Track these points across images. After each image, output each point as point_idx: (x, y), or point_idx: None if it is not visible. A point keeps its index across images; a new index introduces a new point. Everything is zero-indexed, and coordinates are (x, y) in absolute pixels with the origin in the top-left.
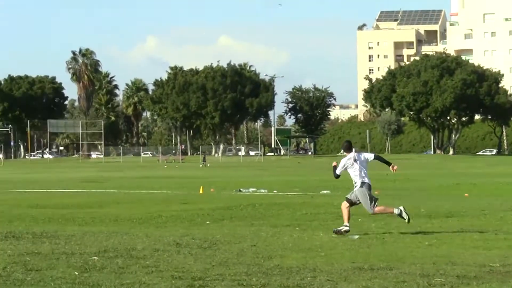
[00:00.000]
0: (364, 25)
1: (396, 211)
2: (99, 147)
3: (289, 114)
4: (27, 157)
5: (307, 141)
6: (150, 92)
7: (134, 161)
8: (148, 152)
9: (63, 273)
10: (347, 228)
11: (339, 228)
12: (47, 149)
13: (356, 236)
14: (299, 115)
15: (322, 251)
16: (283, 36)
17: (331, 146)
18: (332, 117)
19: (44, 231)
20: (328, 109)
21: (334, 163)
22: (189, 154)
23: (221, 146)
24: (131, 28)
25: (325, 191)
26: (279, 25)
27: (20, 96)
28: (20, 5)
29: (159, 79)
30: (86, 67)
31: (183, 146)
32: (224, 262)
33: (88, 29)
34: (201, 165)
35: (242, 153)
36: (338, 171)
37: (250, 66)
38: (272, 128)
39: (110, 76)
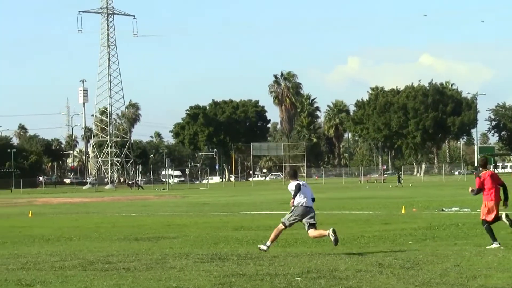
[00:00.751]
0: None
1: None
2: (301, 169)
3: (492, 131)
4: (231, 179)
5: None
6: (351, 113)
7: (336, 182)
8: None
9: None
10: None
11: None
12: (251, 172)
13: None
14: (503, 132)
15: None
16: (485, 53)
17: None
18: None
19: (249, 252)
20: None
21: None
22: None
23: (423, 166)
24: (332, 50)
25: None
26: (481, 42)
27: (224, 120)
28: (224, 32)
29: (360, 100)
30: (288, 90)
31: (384, 166)
32: (427, 282)
33: (290, 53)
34: (396, 185)
35: (444, 172)
36: None
37: (451, 84)
38: (475, 146)
39: (311, 98)
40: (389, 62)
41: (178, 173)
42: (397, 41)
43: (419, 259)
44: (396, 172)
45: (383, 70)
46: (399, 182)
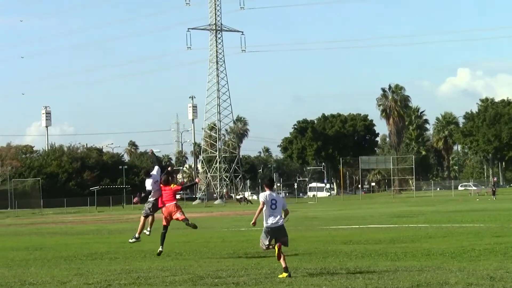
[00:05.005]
0: None
1: None
2: (410, 182)
3: None
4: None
5: None
6: (461, 125)
7: (446, 194)
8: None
9: None
10: None
11: None
12: (360, 185)
13: None
14: None
15: None
16: None
17: None
18: None
19: (358, 266)
20: None
21: None
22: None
23: None
24: (441, 62)
25: None
26: None
27: (332, 134)
28: (332, 47)
29: (470, 112)
30: (396, 103)
31: (495, 179)
32: None
33: (398, 66)
34: (494, 198)
35: None
36: None
37: None
38: None
39: (420, 110)
40: (501, 73)
41: (321, 185)
42: (510, 52)
43: None
44: (493, 185)
45: (495, 82)
46: (494, 195)
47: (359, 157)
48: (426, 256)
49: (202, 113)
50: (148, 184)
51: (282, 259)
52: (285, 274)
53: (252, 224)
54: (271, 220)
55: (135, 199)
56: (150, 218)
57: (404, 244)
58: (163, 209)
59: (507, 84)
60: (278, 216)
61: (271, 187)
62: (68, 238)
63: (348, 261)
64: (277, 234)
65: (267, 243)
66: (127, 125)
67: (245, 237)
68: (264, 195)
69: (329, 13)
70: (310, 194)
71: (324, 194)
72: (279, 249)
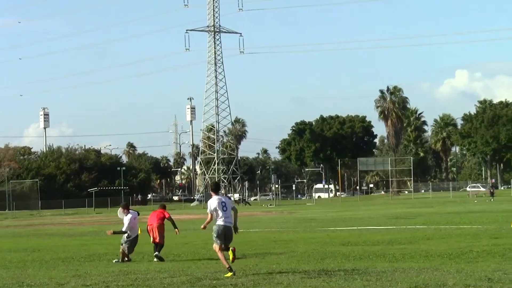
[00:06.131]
0: None
1: None
2: (408, 183)
3: None
4: (337, 194)
5: None
6: (459, 127)
7: (444, 196)
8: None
9: None
10: None
11: None
12: (358, 187)
13: None
14: None
15: None
16: None
17: None
18: None
19: (356, 268)
20: None
21: None
22: (499, 187)
23: None
24: (440, 64)
25: None
26: None
27: (331, 136)
28: (329, 48)
29: (468, 114)
30: (394, 105)
31: (493, 180)
32: None
33: (397, 67)
34: (491, 200)
35: None
36: None
37: None
38: None
39: (418, 112)
40: (499, 75)
41: (326, 186)
42: (509, 54)
43: None
44: (491, 187)
45: (493, 84)
46: (492, 196)
47: (358, 159)
48: (424, 257)
49: (200, 115)
50: (126, 220)
51: (224, 258)
52: (230, 274)
53: (202, 228)
54: (222, 221)
55: (109, 233)
56: (124, 253)
57: (402, 245)
58: (148, 227)
59: (506, 86)
60: (229, 217)
61: (217, 191)
62: (66, 240)
63: (346, 263)
64: (228, 232)
65: (219, 242)
66: (125, 126)
67: (243, 238)
68: (213, 201)
69: (327, 15)
70: (316, 195)
71: (330, 195)
72: (234, 252)
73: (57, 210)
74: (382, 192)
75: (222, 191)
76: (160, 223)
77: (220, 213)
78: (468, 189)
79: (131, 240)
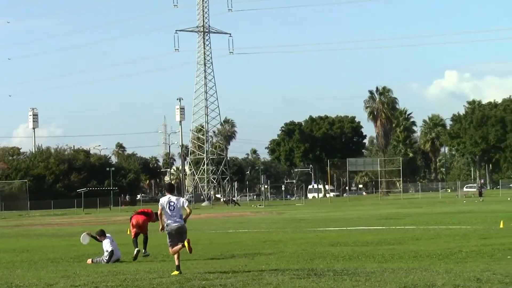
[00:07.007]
0: None
1: None
2: (397, 184)
3: None
4: (327, 195)
5: None
6: (448, 127)
7: (433, 196)
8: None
9: None
10: None
11: None
12: (347, 187)
13: None
14: None
15: None
16: None
17: None
18: None
19: (345, 268)
20: None
21: None
22: (488, 188)
23: None
24: (429, 64)
25: None
26: None
27: (320, 136)
28: (320, 49)
29: (457, 114)
30: (383, 105)
31: (482, 181)
32: None
33: (386, 68)
34: (481, 200)
35: None
36: None
37: None
38: None
39: (407, 113)
40: (488, 75)
41: (320, 186)
42: (497, 54)
43: None
44: (480, 187)
45: (482, 84)
46: (480, 196)
47: (347, 159)
48: (413, 258)
49: (189, 115)
50: (107, 244)
51: (177, 257)
52: (176, 272)
53: (161, 230)
54: (171, 221)
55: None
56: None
57: (391, 246)
58: (134, 220)
59: (495, 87)
60: (177, 216)
61: (171, 191)
62: (55, 240)
63: (336, 263)
64: (180, 230)
65: (173, 244)
66: (115, 127)
67: (232, 239)
68: (162, 199)
69: (317, 15)
70: (310, 196)
71: (321, 195)
72: (189, 243)
73: (46, 210)
74: (364, 193)
75: (175, 192)
76: (145, 219)
77: (168, 211)
78: (465, 189)
79: (112, 259)
